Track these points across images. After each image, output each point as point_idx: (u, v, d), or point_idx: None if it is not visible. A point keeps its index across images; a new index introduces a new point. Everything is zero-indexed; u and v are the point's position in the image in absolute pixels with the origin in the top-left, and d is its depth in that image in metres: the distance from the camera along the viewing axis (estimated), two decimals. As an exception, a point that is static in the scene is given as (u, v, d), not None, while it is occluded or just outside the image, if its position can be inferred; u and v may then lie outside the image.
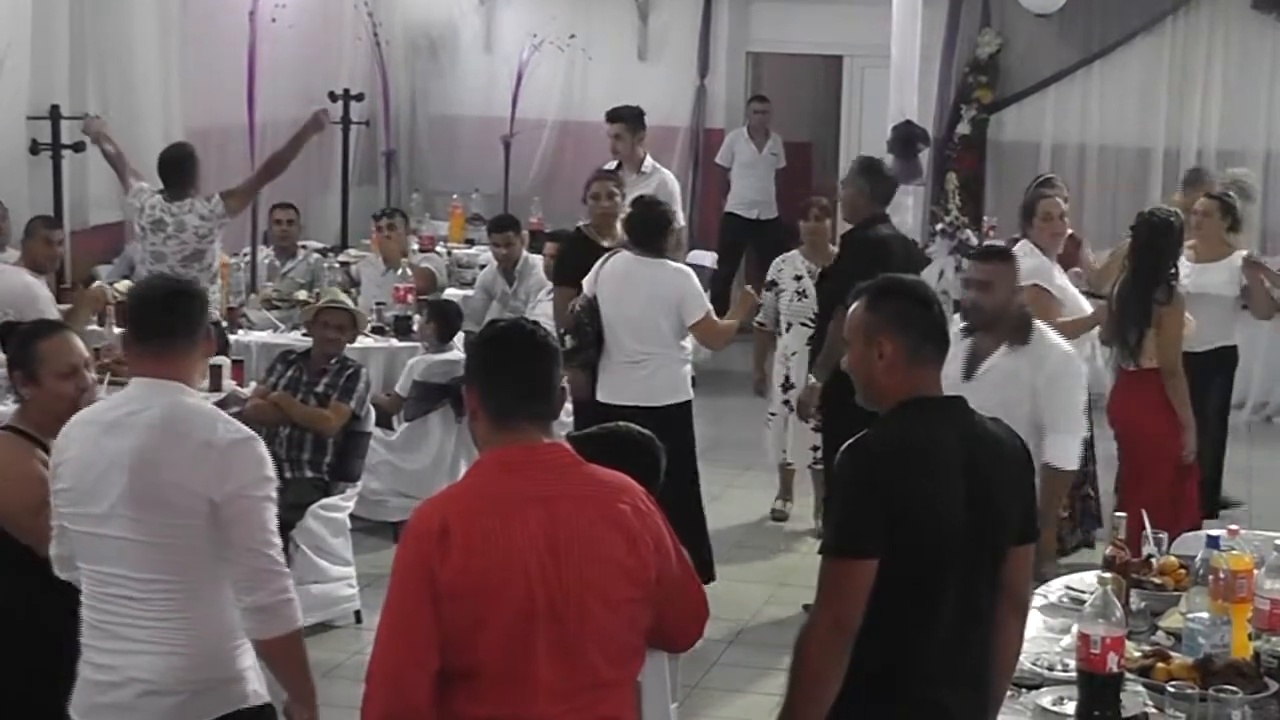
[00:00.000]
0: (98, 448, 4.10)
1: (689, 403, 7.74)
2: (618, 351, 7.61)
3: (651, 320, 7.56)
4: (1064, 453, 6.01)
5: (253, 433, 4.17)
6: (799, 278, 8.93)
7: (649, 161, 10.39)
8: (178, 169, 8.89)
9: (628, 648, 3.58)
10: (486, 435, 3.59)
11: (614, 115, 10.32)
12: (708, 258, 12.51)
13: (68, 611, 4.31)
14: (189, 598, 4.07)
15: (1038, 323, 6.05)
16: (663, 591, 3.58)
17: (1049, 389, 5.93)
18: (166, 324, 4.15)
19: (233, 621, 4.12)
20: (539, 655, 3.42)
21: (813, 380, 7.86)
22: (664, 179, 10.10)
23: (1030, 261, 7.46)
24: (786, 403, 8.88)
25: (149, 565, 4.05)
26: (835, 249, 8.70)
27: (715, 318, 7.71)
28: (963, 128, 13.26)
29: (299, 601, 4.16)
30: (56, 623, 4.39)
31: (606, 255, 7.80)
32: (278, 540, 4.12)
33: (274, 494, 4.14)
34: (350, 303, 8.34)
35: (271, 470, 4.16)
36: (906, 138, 10.94)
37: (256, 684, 4.20)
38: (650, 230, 7.66)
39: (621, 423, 4.71)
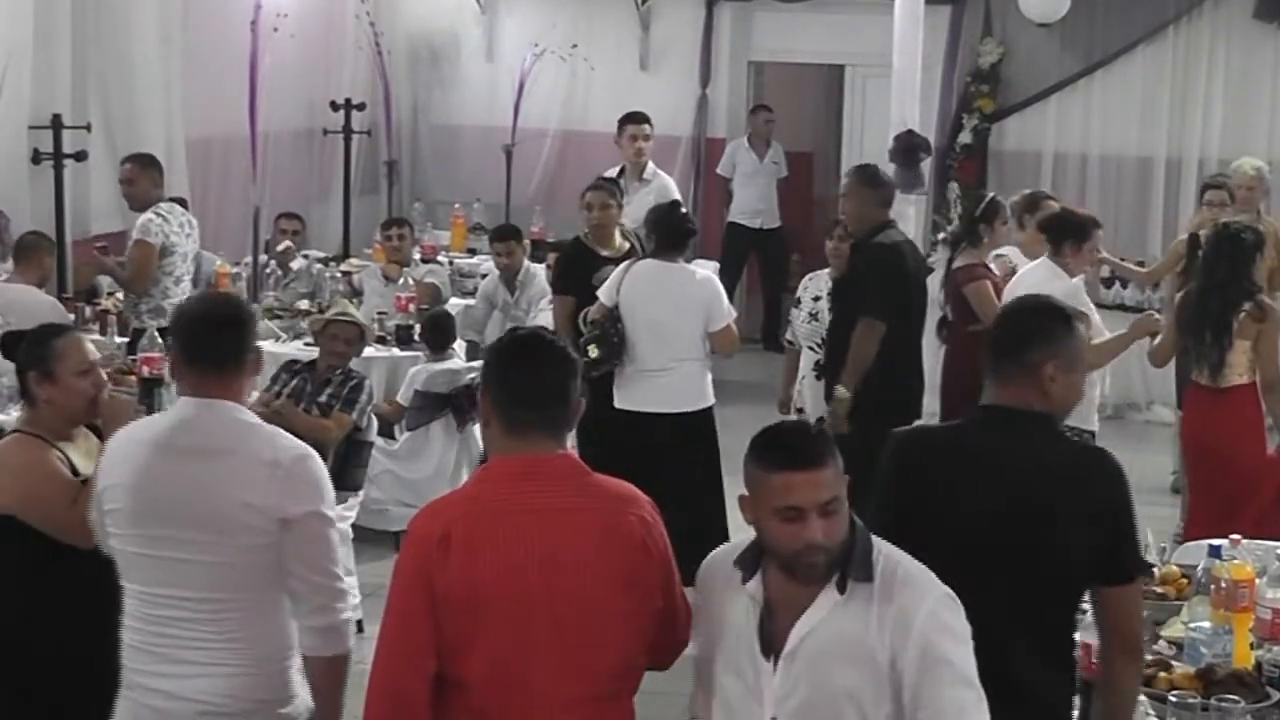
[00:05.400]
0: (156, 470, 4.04)
1: (713, 408, 7.76)
2: (648, 359, 7.63)
3: (682, 326, 7.60)
4: None
5: (311, 449, 4.14)
6: (817, 299, 8.32)
7: (650, 167, 10.45)
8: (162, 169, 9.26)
9: (630, 660, 3.57)
10: (498, 441, 3.59)
11: (643, 117, 10.43)
12: (710, 266, 12.52)
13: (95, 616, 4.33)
14: (251, 616, 4.02)
15: (881, 544, 3.47)
16: (666, 604, 3.59)
17: (923, 662, 3.30)
18: (218, 347, 4.13)
19: (290, 639, 4.09)
20: (538, 666, 3.41)
21: (841, 391, 7.58)
22: (665, 184, 10.16)
23: (1061, 284, 7.16)
24: None
25: (212, 585, 3.99)
26: None
27: (734, 327, 7.79)
28: (964, 137, 13.26)
29: None
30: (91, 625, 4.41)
31: (628, 264, 7.80)
32: (341, 559, 4.14)
33: (334, 513, 4.12)
34: (359, 316, 8.33)
35: (331, 487, 4.14)
36: (908, 147, 10.94)
37: (307, 698, 4.15)
38: (677, 236, 7.73)
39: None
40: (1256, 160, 10.14)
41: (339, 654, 4.08)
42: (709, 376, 7.77)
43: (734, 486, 8.69)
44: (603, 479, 3.60)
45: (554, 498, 3.48)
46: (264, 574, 4.00)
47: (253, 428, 4.11)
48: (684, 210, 8.05)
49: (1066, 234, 7.54)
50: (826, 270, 8.43)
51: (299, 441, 4.15)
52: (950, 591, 3.40)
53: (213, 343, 4.12)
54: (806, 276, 8.75)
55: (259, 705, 4.05)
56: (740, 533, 8.73)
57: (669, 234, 7.71)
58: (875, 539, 3.45)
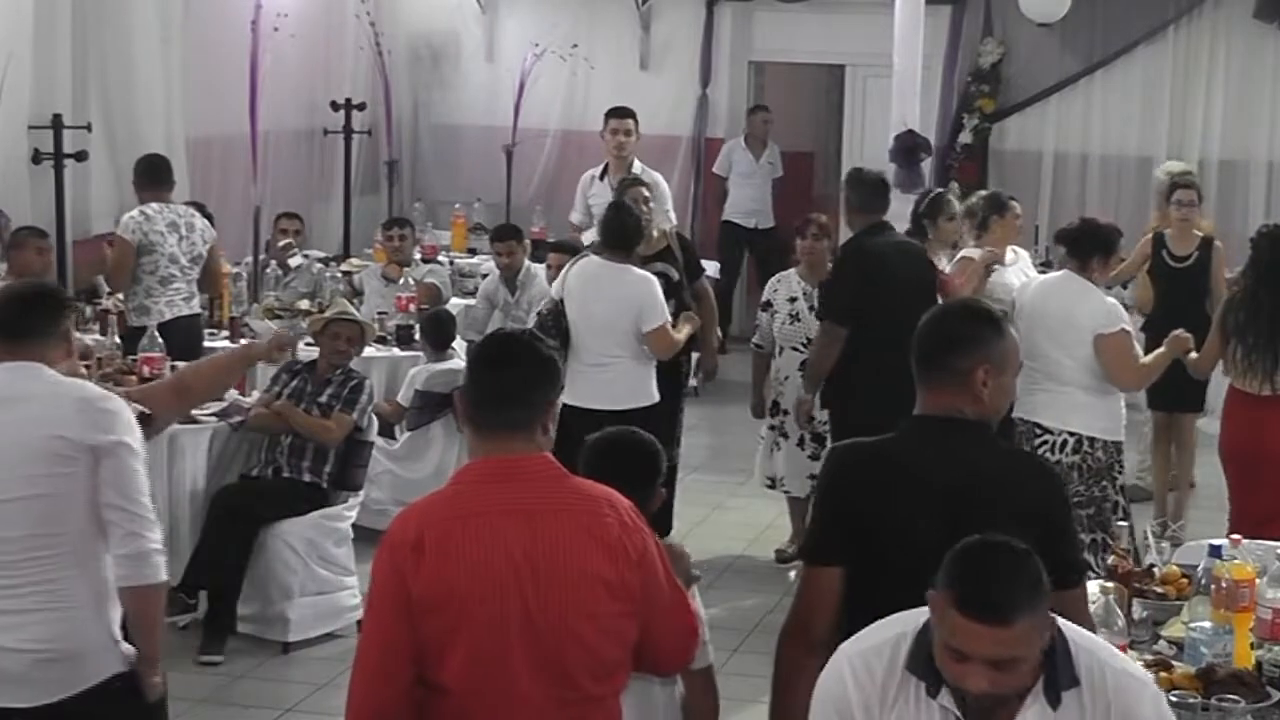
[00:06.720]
0: None
1: (655, 406, 7.80)
2: (585, 354, 7.72)
3: (616, 324, 7.68)
4: None
5: (116, 395, 4.52)
6: (793, 299, 8.41)
7: (637, 164, 10.43)
8: (167, 170, 9.17)
9: (611, 662, 3.53)
10: (473, 443, 3.59)
11: (627, 111, 10.41)
12: (710, 267, 12.53)
13: None
14: (73, 557, 4.22)
15: (1073, 632, 3.25)
16: (648, 607, 3.53)
17: None
18: (25, 322, 4.42)
19: (111, 583, 4.29)
20: (517, 670, 3.39)
21: (802, 394, 8.02)
22: (656, 179, 10.13)
23: (1100, 300, 7.00)
24: (774, 427, 8.53)
25: (31, 522, 4.20)
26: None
27: (670, 329, 7.77)
28: (965, 137, 13.29)
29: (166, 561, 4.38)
30: None
31: (574, 260, 7.93)
32: (148, 493, 4.34)
33: (142, 451, 4.36)
34: (358, 315, 8.35)
35: (139, 427, 4.41)
36: (909, 147, 10.97)
37: (127, 646, 4.36)
38: (623, 235, 7.81)
39: (622, 427, 4.65)
40: (1175, 164, 10.27)
41: (150, 583, 4.30)
42: (652, 375, 7.83)
43: (718, 487, 8.69)
44: (581, 480, 3.57)
45: (530, 499, 3.45)
46: (80, 510, 4.23)
47: (56, 378, 4.36)
48: (634, 213, 8.06)
49: (1095, 248, 7.05)
50: (793, 270, 8.59)
51: (106, 390, 4.53)
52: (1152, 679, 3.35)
53: (16, 318, 4.41)
54: (774, 278, 8.77)
55: (92, 646, 4.25)
56: (718, 532, 8.49)
57: (610, 235, 7.85)
58: (1065, 625, 3.21)
